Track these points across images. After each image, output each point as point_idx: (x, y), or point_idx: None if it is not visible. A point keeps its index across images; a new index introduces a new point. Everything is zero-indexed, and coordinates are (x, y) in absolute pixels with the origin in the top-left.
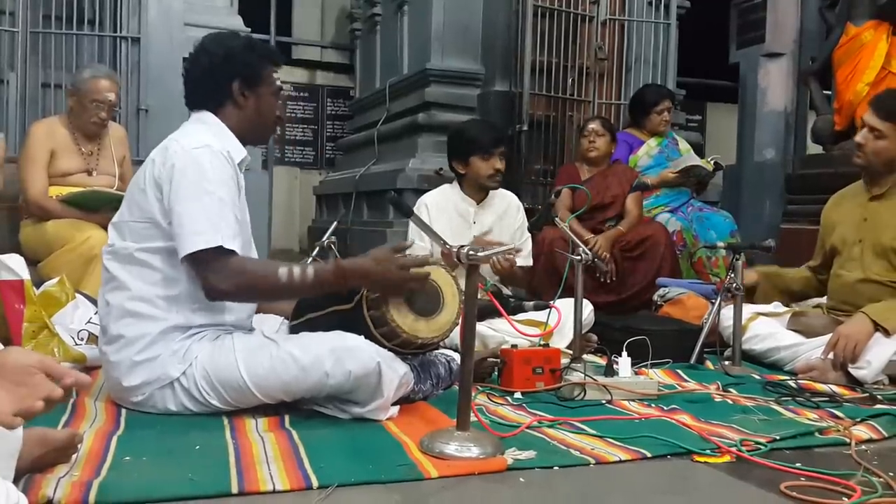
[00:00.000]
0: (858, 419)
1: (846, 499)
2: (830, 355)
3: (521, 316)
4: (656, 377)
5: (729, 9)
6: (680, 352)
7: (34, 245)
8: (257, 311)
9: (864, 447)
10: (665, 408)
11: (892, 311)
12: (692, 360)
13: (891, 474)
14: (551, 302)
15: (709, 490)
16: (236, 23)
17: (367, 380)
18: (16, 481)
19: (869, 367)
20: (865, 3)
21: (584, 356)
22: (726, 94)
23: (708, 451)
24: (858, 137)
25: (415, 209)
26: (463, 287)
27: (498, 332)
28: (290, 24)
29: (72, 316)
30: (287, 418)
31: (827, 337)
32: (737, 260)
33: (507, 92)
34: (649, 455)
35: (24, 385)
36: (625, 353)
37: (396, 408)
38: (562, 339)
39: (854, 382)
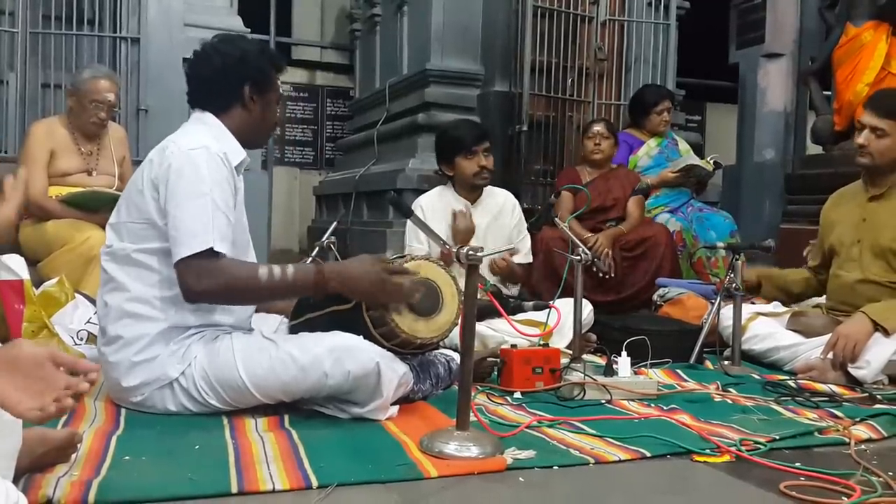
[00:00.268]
0: (858, 419)
1: (845, 498)
2: (830, 355)
3: (520, 316)
4: (656, 377)
5: (728, 9)
6: (679, 352)
7: (34, 245)
8: (257, 311)
9: (863, 447)
10: (665, 407)
11: (891, 310)
12: (692, 360)
13: (890, 474)
14: (551, 302)
15: (708, 490)
16: (236, 23)
17: (367, 380)
18: (15, 481)
19: (868, 366)
20: (865, 4)
21: (584, 356)
22: (726, 94)
23: (707, 451)
24: (860, 139)
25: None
26: (462, 287)
27: (497, 331)
28: (290, 24)
29: (71, 316)
30: (287, 418)
31: (826, 337)
32: (736, 260)
33: (506, 92)
34: (649, 455)
35: (39, 379)
36: (624, 353)
37: (396, 407)
38: (561, 339)
39: (853, 382)
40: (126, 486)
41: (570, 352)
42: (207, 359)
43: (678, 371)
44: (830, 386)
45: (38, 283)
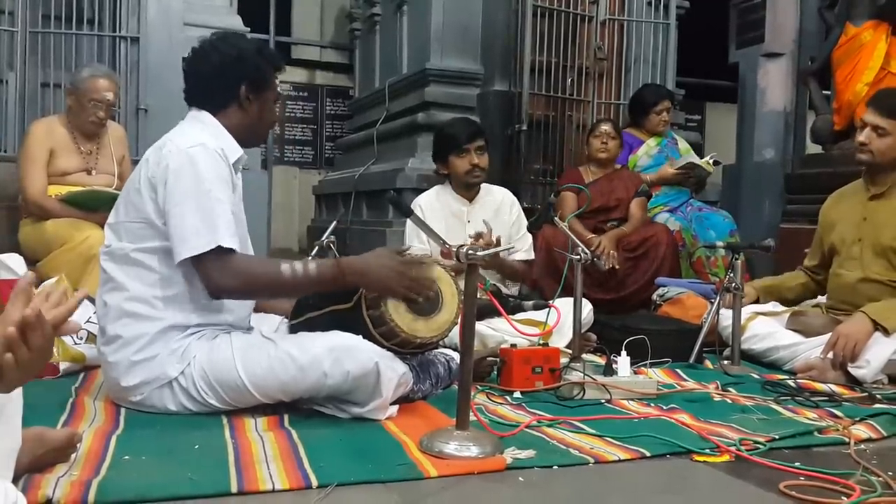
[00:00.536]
0: (857, 418)
1: (845, 498)
2: (830, 355)
3: (520, 315)
4: (655, 376)
5: (728, 9)
6: (679, 351)
7: (33, 244)
8: (256, 311)
9: (863, 446)
10: (664, 407)
11: (891, 310)
12: (691, 360)
13: (890, 473)
14: (550, 301)
15: (708, 489)
16: (236, 22)
17: (366, 380)
18: (15, 481)
19: (868, 366)
20: (865, 4)
21: (584, 355)
22: (726, 93)
23: (707, 451)
24: (861, 137)
25: None
26: (462, 286)
27: (497, 331)
28: (290, 23)
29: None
30: (286, 418)
31: (826, 336)
32: (736, 259)
33: (506, 92)
34: (648, 454)
35: None
36: (624, 353)
37: (395, 407)
38: (561, 339)
39: (853, 382)
40: (126, 485)
41: (570, 351)
42: (207, 358)
43: (678, 370)
44: (830, 385)
45: (37, 282)
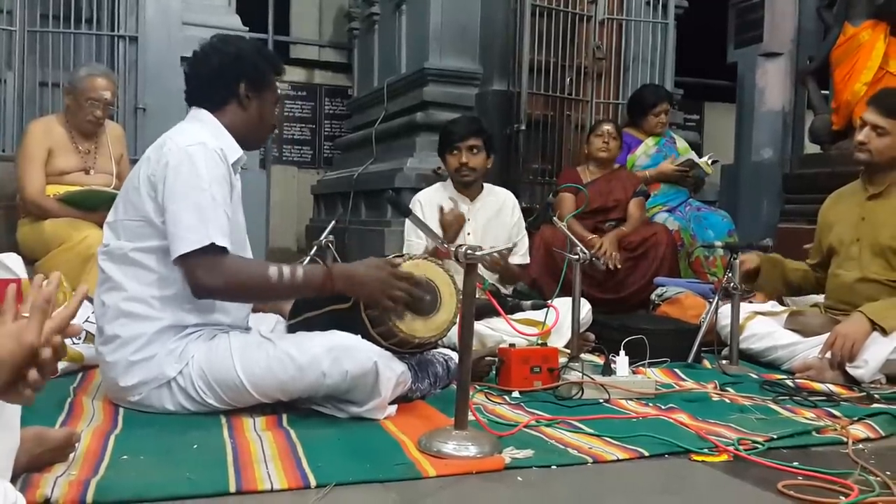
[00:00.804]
0: (856, 418)
1: (843, 498)
2: (828, 354)
3: (518, 315)
4: (654, 376)
5: (727, 8)
6: (677, 351)
7: (32, 244)
8: (254, 310)
9: (861, 446)
10: (662, 407)
11: (889, 310)
12: (690, 360)
13: (888, 473)
14: (549, 301)
15: (706, 489)
16: (234, 22)
17: (365, 379)
18: (13, 480)
19: (866, 366)
20: (863, 3)
21: (582, 355)
22: (724, 93)
23: (705, 450)
24: (860, 136)
25: (409, 206)
26: (460, 286)
27: (496, 331)
28: (288, 23)
29: None
30: (285, 417)
31: (824, 336)
32: (734, 259)
33: (505, 91)
34: (647, 454)
35: None
36: (622, 353)
37: (394, 407)
38: (560, 339)
39: (851, 381)
40: (124, 485)
41: (569, 351)
42: (205, 358)
43: (676, 370)
44: (828, 385)
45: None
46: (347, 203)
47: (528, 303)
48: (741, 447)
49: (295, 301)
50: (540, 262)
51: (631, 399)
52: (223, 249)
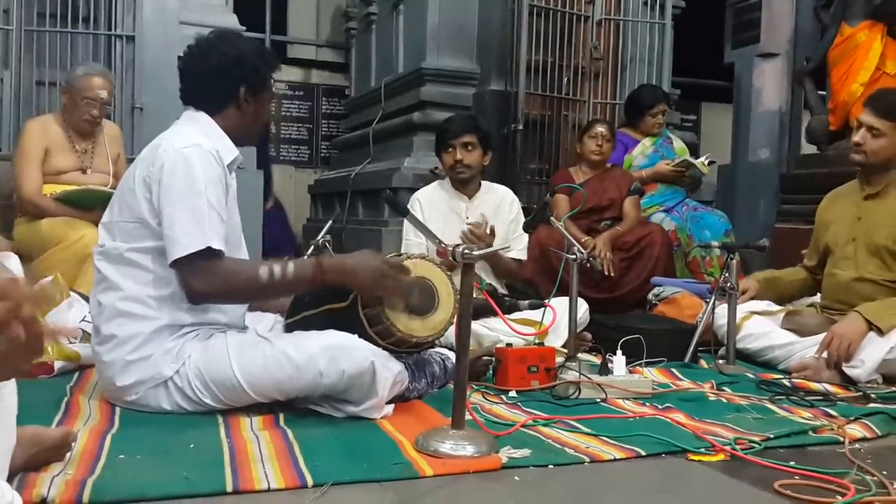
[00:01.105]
0: (852, 418)
1: (840, 497)
2: (824, 354)
3: (515, 315)
4: (651, 376)
5: (724, 9)
6: (674, 351)
7: (28, 243)
8: (251, 310)
9: (857, 446)
10: (659, 406)
11: (885, 310)
12: (686, 359)
13: (884, 473)
14: (546, 301)
15: (703, 488)
16: (231, 21)
17: (362, 379)
18: (10, 480)
19: (863, 366)
20: (860, 4)
21: (579, 355)
22: (721, 93)
23: (702, 450)
24: (856, 137)
25: (408, 205)
26: (458, 286)
27: (493, 330)
28: (286, 22)
29: (66, 314)
30: (282, 417)
31: (821, 336)
32: (731, 259)
33: (502, 91)
34: (644, 453)
35: None
36: (619, 352)
37: (391, 406)
38: (557, 338)
39: (848, 381)
40: (121, 485)
41: (566, 350)
42: (202, 357)
43: (673, 370)
44: (825, 385)
45: (32, 281)
46: (345, 203)
47: (526, 302)
48: (738, 447)
49: (292, 300)
50: (534, 261)
51: (628, 399)
52: (219, 253)
